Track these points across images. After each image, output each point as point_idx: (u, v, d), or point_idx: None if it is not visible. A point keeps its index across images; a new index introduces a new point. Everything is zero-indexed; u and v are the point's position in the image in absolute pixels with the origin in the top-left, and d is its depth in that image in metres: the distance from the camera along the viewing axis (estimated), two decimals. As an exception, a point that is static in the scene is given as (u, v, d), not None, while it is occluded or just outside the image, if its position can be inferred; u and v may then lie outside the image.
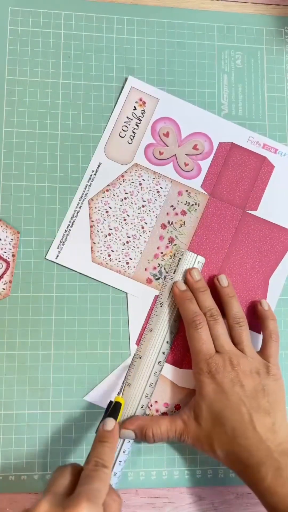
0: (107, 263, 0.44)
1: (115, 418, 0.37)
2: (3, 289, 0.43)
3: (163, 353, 0.43)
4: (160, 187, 0.45)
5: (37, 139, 0.45)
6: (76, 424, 0.42)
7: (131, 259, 0.44)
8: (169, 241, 0.45)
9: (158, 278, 0.44)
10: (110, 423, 0.36)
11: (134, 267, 0.44)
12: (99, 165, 0.45)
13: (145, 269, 0.44)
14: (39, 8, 0.46)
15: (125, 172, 0.45)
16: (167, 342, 0.43)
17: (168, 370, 0.43)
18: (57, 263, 0.44)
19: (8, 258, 0.43)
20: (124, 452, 0.41)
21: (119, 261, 0.44)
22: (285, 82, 0.48)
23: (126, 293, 0.44)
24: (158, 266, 0.45)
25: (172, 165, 0.46)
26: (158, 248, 0.45)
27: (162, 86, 0.47)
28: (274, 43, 0.49)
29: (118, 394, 0.42)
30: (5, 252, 0.43)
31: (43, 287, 0.43)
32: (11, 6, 0.46)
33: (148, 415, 0.43)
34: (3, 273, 0.43)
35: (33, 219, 0.44)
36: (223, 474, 0.43)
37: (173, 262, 0.44)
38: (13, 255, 0.43)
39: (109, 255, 0.44)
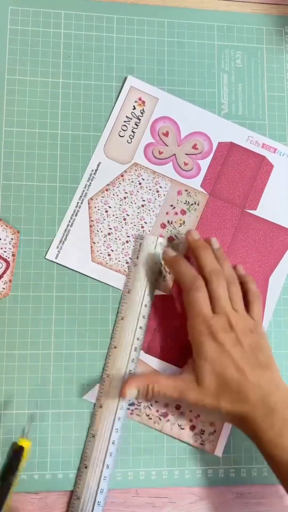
0: (107, 263, 0.44)
1: (15, 468, 0.36)
2: (3, 288, 0.43)
3: (137, 339, 0.43)
4: (160, 187, 0.45)
5: (37, 139, 0.45)
6: (76, 423, 0.42)
7: (131, 258, 0.44)
8: (168, 241, 0.45)
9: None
10: None
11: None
12: (98, 165, 0.45)
13: None
14: (39, 7, 0.46)
15: (125, 171, 0.45)
16: (140, 327, 0.43)
17: (169, 370, 0.43)
18: (57, 263, 0.44)
19: (8, 257, 0.43)
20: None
21: (119, 261, 0.44)
22: (285, 81, 0.48)
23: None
24: None
25: (172, 164, 0.46)
26: None
27: (162, 86, 0.47)
28: (274, 43, 0.49)
29: (23, 435, 0.40)
30: (5, 251, 0.43)
31: (43, 287, 0.43)
32: (11, 6, 0.46)
33: (133, 404, 0.43)
34: (3, 273, 0.43)
35: (33, 218, 0.44)
36: (223, 474, 0.43)
37: (135, 248, 0.44)
38: (13, 255, 0.43)
39: (109, 255, 0.44)
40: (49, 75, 0.46)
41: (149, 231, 0.45)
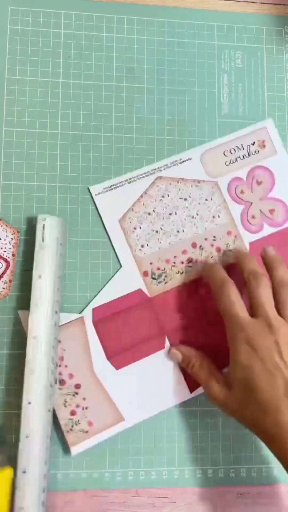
0: (128, 233, 0.44)
1: None
2: (3, 288, 0.43)
3: (55, 324, 0.41)
4: (218, 216, 0.45)
5: (37, 139, 0.45)
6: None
7: (148, 245, 0.44)
8: (188, 260, 0.45)
9: (154, 279, 0.44)
10: None
11: (144, 253, 0.44)
12: (188, 159, 0.46)
13: (151, 263, 0.44)
14: (39, 7, 0.46)
15: (203, 181, 0.45)
16: (56, 312, 0.40)
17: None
18: (93, 200, 0.44)
19: (8, 257, 0.43)
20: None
21: (138, 240, 0.44)
22: (285, 81, 0.48)
23: (121, 266, 0.44)
24: (162, 270, 0.44)
25: (242, 209, 0.46)
26: (175, 257, 0.45)
27: (162, 86, 0.47)
28: (274, 43, 0.49)
29: None
30: (5, 251, 0.43)
31: (43, 287, 0.43)
32: (11, 6, 0.46)
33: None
34: (3, 273, 0.43)
35: (33, 218, 0.44)
36: (223, 474, 0.43)
37: (38, 229, 0.41)
38: (13, 255, 0.43)
39: (135, 228, 0.44)
40: (49, 75, 0.46)
41: (179, 239, 0.45)
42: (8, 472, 0.38)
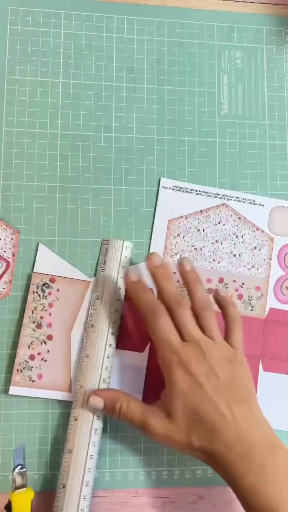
0: (170, 235, 0.45)
1: None
2: (3, 288, 0.43)
3: (110, 345, 0.41)
4: (257, 269, 0.45)
5: (37, 139, 0.45)
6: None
7: (180, 256, 0.44)
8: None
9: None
10: None
11: (173, 261, 0.44)
12: (259, 205, 0.46)
13: (173, 273, 0.44)
14: (39, 7, 0.46)
15: (261, 230, 0.46)
16: (112, 333, 0.41)
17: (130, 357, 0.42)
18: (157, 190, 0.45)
19: (8, 257, 0.43)
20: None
21: (175, 246, 0.45)
22: (285, 81, 0.48)
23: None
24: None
25: (282, 275, 0.45)
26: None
27: (162, 86, 0.47)
28: (274, 43, 0.49)
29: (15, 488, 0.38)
30: (5, 251, 0.43)
31: (43, 287, 0.43)
32: (11, 6, 0.46)
33: None
34: (3, 273, 0.43)
35: (33, 218, 0.44)
36: (223, 474, 0.43)
37: (101, 253, 0.43)
38: (13, 255, 0.43)
39: (178, 235, 0.45)
40: (49, 75, 0.46)
41: (210, 267, 0.45)
42: (29, 493, 0.38)
